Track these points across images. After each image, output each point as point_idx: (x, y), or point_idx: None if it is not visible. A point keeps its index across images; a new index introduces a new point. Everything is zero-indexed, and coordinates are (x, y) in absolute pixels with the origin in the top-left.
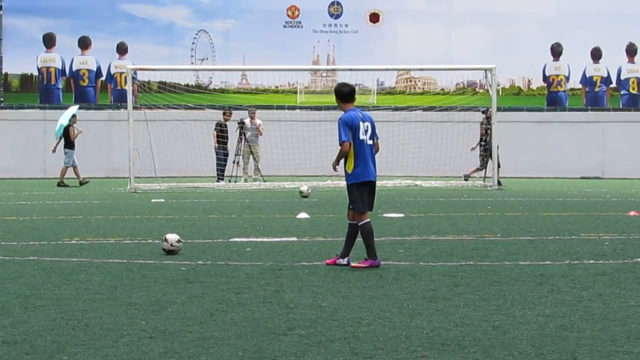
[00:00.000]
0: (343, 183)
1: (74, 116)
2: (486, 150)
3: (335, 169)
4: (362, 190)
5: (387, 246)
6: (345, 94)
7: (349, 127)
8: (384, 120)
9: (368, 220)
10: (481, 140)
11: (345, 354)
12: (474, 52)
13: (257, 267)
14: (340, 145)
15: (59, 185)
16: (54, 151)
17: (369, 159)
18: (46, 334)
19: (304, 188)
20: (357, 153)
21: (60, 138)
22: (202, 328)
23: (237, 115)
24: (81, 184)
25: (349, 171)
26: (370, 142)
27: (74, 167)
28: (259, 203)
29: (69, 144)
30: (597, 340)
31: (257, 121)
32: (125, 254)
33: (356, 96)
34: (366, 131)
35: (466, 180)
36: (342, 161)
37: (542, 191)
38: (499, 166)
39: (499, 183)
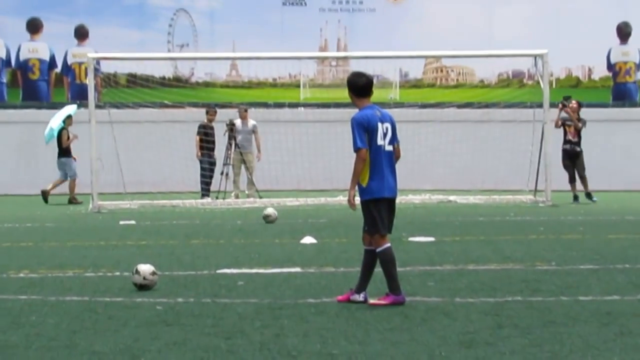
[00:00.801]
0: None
1: (69, 117)
2: (573, 155)
3: (353, 204)
4: (379, 207)
5: (414, 278)
6: (360, 86)
7: (364, 130)
8: (409, 121)
9: (388, 245)
10: (569, 141)
11: None
12: (520, 35)
13: (251, 306)
14: (356, 152)
15: (70, 202)
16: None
17: (387, 169)
18: None
19: (270, 211)
20: (374, 162)
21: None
22: None
23: (224, 115)
24: (72, 202)
25: (363, 184)
26: (389, 147)
27: (72, 179)
28: (254, 225)
29: (63, 152)
30: None
31: (251, 122)
32: (87, 290)
33: (374, 90)
34: (385, 134)
35: (590, 199)
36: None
37: (608, 208)
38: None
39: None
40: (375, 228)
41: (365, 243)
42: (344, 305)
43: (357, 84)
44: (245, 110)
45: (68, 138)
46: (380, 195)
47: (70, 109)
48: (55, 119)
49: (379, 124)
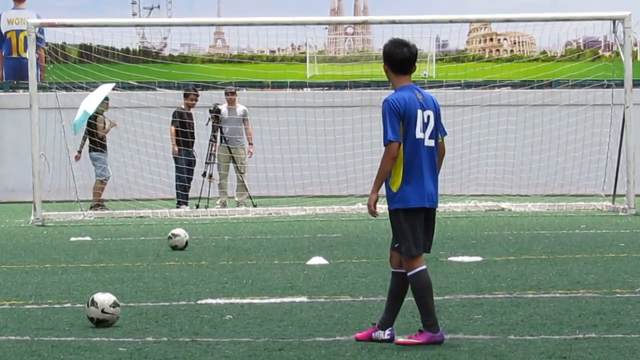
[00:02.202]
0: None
1: (106, 100)
2: None
3: (374, 211)
4: (413, 220)
5: (456, 309)
6: (400, 59)
7: (399, 118)
8: (448, 104)
9: (424, 267)
10: None
11: None
12: None
13: (243, 346)
14: (385, 146)
15: (92, 208)
16: (77, 158)
17: (427, 170)
18: None
19: (177, 231)
20: (410, 160)
21: (84, 137)
22: None
23: (207, 99)
24: (98, 205)
25: (394, 189)
26: (431, 142)
27: (100, 180)
28: (246, 241)
29: (97, 144)
30: None
31: (240, 107)
32: (28, 327)
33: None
34: (426, 125)
35: None
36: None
37: None
38: None
39: None
40: (407, 246)
41: (394, 264)
42: (364, 345)
43: (396, 55)
44: (234, 93)
45: (104, 127)
46: (417, 204)
47: (108, 88)
48: (90, 102)
49: (419, 112)
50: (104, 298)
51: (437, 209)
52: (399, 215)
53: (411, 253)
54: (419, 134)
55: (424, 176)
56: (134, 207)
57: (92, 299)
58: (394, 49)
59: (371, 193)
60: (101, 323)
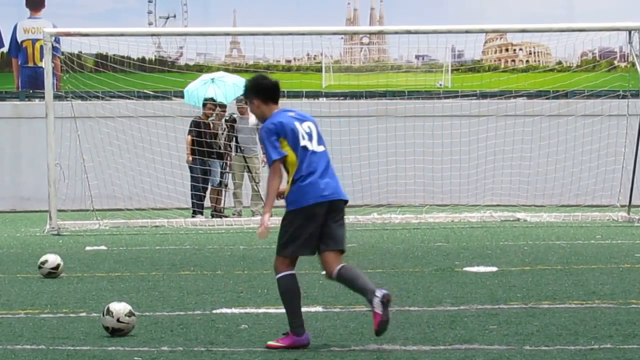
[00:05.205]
0: (399, 217)
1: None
2: None
3: (266, 228)
4: (303, 221)
5: (472, 319)
6: (269, 88)
7: (278, 136)
8: (463, 115)
9: (292, 272)
10: None
11: None
12: (609, 4)
13: (258, 356)
14: (270, 167)
15: (214, 215)
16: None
17: (320, 171)
18: None
19: (49, 258)
20: (301, 167)
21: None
22: None
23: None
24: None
25: (289, 194)
26: (320, 148)
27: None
28: (261, 251)
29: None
30: None
31: (252, 117)
32: (43, 336)
33: (420, 74)
34: (309, 134)
35: None
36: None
37: None
38: None
39: None
40: (284, 246)
41: (327, 275)
42: (380, 356)
43: (265, 85)
44: (246, 103)
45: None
46: (314, 201)
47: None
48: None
49: (297, 124)
50: (120, 307)
51: (449, 219)
52: (289, 216)
53: (284, 254)
54: (303, 143)
55: (319, 176)
56: (150, 216)
57: (108, 308)
58: (260, 81)
59: (264, 213)
60: (116, 332)
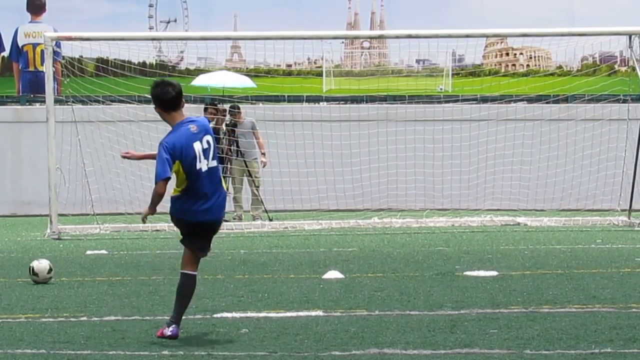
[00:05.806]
0: (399, 222)
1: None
2: None
3: (147, 214)
4: (192, 228)
5: (473, 323)
6: (168, 99)
7: (172, 158)
8: (464, 119)
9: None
10: None
11: None
12: (609, 8)
13: None
14: (156, 184)
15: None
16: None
17: (207, 192)
18: None
19: (39, 265)
20: (192, 188)
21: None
22: None
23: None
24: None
25: (179, 203)
26: (213, 163)
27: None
28: (262, 255)
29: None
30: None
31: (247, 119)
32: (44, 341)
33: (420, 78)
34: (206, 150)
35: None
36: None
37: None
38: None
39: None
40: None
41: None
42: (379, 359)
43: (165, 95)
44: (237, 108)
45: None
46: (197, 219)
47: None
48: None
49: (196, 145)
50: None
51: (449, 223)
52: (179, 221)
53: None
54: (199, 165)
55: (206, 199)
56: (149, 221)
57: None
58: (160, 91)
59: (148, 208)
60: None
